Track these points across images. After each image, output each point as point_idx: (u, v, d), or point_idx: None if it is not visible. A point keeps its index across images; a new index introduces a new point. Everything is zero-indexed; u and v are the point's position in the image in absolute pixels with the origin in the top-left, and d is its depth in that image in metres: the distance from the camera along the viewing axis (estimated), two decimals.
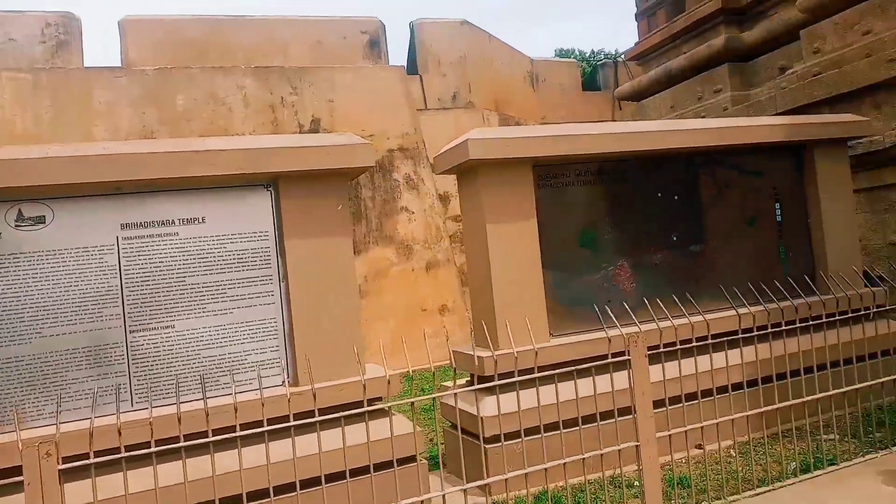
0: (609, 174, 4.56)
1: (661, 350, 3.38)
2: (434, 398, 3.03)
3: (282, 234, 3.70)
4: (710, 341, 3.53)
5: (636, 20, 12.22)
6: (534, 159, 4.23)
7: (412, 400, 2.92)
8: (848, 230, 5.15)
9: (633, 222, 4.60)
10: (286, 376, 3.60)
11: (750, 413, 3.54)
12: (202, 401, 3.44)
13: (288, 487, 2.83)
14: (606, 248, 4.51)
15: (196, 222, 3.64)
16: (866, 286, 6.14)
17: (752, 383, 3.86)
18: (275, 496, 2.68)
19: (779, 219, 5.06)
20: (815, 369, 3.86)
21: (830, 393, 3.77)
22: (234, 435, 2.61)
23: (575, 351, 4.11)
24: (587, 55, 21.37)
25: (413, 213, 9.79)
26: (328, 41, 10.91)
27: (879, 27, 7.64)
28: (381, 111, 9.71)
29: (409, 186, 9.87)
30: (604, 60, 16.81)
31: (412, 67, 13.46)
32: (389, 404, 3.45)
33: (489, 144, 4.01)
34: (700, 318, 3.75)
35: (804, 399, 3.71)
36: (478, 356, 4.04)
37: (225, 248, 3.66)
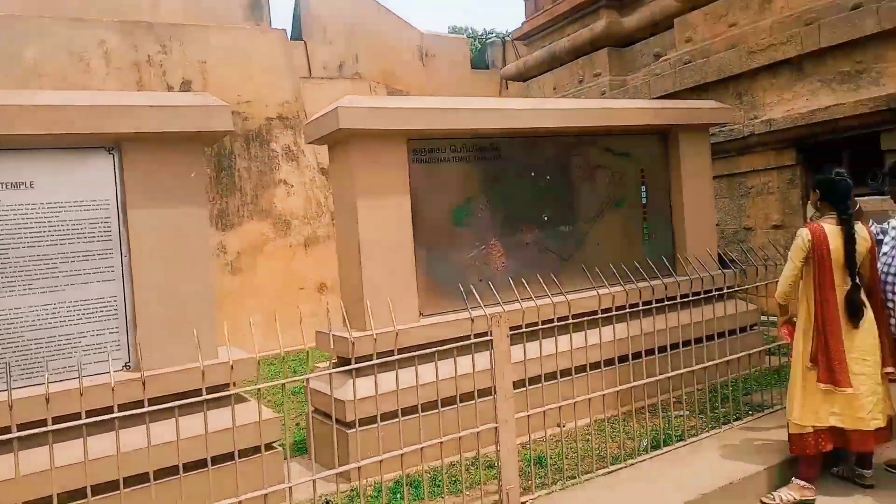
0: (484, 152, 4.50)
1: (524, 330, 3.37)
2: (304, 380, 2.84)
3: (125, 203, 3.34)
4: (570, 321, 3.55)
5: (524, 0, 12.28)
6: (408, 132, 4.09)
7: (259, 386, 2.72)
8: (706, 214, 5.40)
9: (506, 201, 4.57)
10: (128, 360, 3.29)
11: (606, 392, 3.61)
12: (27, 388, 3.08)
13: (115, 484, 2.56)
14: (480, 227, 4.46)
15: (22, 187, 3.21)
16: (720, 268, 6.52)
17: (614, 362, 3.95)
18: (94, 495, 2.41)
19: (644, 201, 5.21)
20: (668, 348, 3.99)
21: (680, 371, 3.93)
22: (47, 429, 2.30)
23: (444, 331, 4.03)
24: (479, 34, 21.41)
25: (292, 186, 9.39)
26: None
27: (744, 20, 8.06)
28: (260, 77, 9.20)
29: (288, 158, 9.45)
30: (493, 39, 16.85)
31: (297, 34, 12.89)
32: (249, 389, 3.24)
33: (362, 114, 3.81)
34: (566, 296, 3.78)
35: (656, 378, 3.84)
36: (339, 337, 3.89)
37: (57, 217, 3.26)
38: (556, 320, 3.48)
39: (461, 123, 4.20)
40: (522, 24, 12.29)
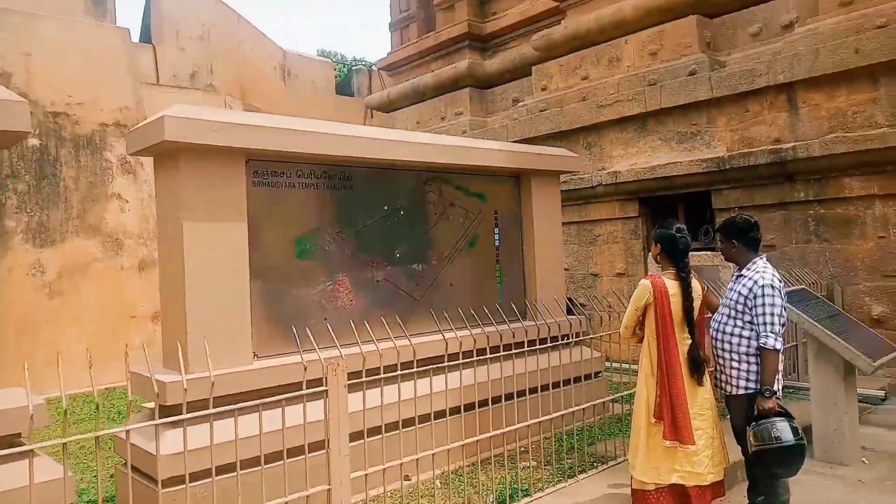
0: (334, 179, 4.20)
1: (363, 379, 3.08)
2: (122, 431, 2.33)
3: None
4: (415, 368, 3.31)
5: (390, 30, 12.24)
6: (249, 151, 3.70)
7: (65, 440, 2.21)
8: (556, 259, 5.44)
9: (356, 235, 4.29)
10: None
11: (451, 446, 3.40)
12: None
13: None
14: (326, 261, 4.14)
15: None
16: (568, 314, 6.63)
17: (461, 410, 3.76)
18: None
19: (497, 243, 5.15)
20: (515, 396, 3.89)
21: (527, 423, 3.81)
22: None
23: (281, 375, 3.65)
24: (349, 60, 21.16)
25: (127, 201, 8.50)
26: None
27: (595, 74, 8.45)
28: (96, 77, 8.30)
29: (124, 170, 8.57)
30: (359, 66, 16.67)
31: (147, 37, 11.94)
32: (52, 443, 2.66)
33: (192, 126, 3.38)
34: (411, 340, 3.56)
35: (503, 430, 3.69)
36: (157, 380, 3.38)
37: None
38: (399, 366, 3.23)
39: (309, 147, 3.88)
40: (388, 54, 12.21)
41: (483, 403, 3.77)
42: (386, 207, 4.46)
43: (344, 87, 16.93)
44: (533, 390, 4.06)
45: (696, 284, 3.38)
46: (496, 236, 5.14)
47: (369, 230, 4.36)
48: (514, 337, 3.93)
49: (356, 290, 4.27)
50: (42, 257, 7.59)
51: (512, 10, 10.35)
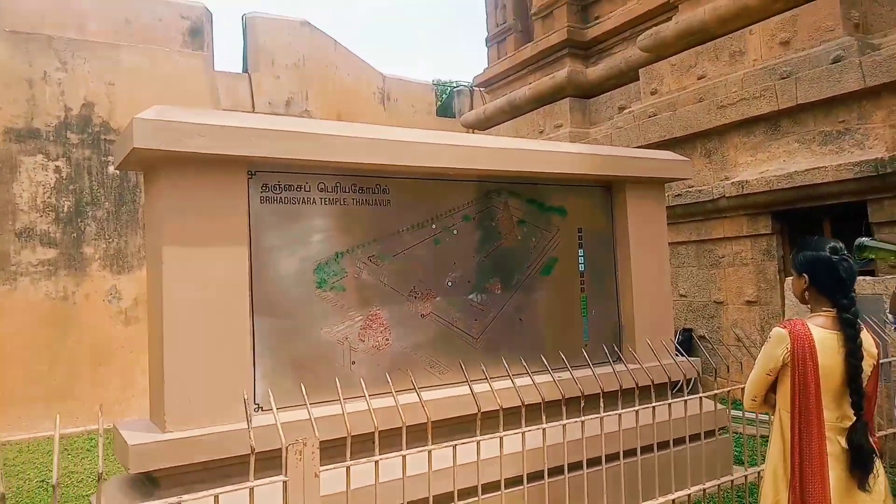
0: (366, 193, 3.43)
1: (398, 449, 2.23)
2: None
3: None
4: (478, 423, 2.42)
5: (486, 45, 11.54)
6: (251, 160, 3.01)
7: None
8: (660, 286, 4.35)
9: (394, 259, 3.48)
10: None
11: None
12: None
13: None
14: (356, 292, 3.35)
15: None
16: (687, 349, 5.44)
17: (523, 481, 2.84)
18: None
19: (582, 268, 4.15)
20: (605, 461, 2.90)
21: None
22: None
23: (290, 433, 2.88)
24: (452, 83, 20.77)
25: None
26: (139, 21, 9.23)
27: (713, 72, 7.23)
28: (175, 104, 8.16)
29: None
30: (460, 87, 16.11)
31: (246, 66, 12.01)
32: None
33: (170, 131, 2.73)
34: (472, 388, 2.68)
35: None
36: (126, 441, 2.73)
37: None
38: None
39: (331, 154, 3.13)
40: (485, 70, 11.50)
41: (559, 471, 2.83)
42: (434, 226, 3.62)
43: (446, 110, 16.44)
44: (630, 453, 3.06)
45: (865, 337, 2.24)
46: (580, 259, 4.15)
47: (412, 254, 3.54)
48: (600, 381, 2.94)
49: (394, 326, 3.45)
50: (119, 284, 7.42)
51: (616, 12, 9.30)
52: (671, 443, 3.40)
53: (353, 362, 3.31)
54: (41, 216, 7.10)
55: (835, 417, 2.16)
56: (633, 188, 4.25)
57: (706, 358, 4.08)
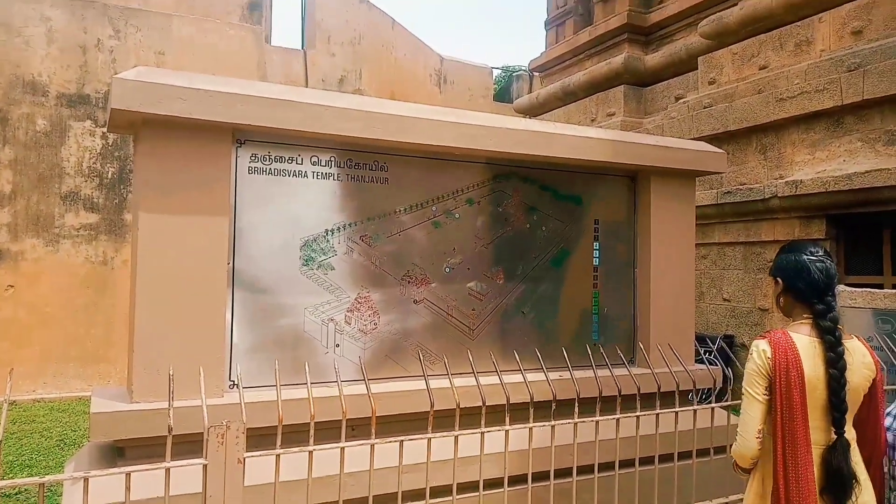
0: (363, 169, 3.29)
1: (369, 441, 2.10)
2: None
3: None
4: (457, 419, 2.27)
5: (545, 28, 11.20)
6: (236, 128, 2.92)
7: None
8: (683, 287, 4.05)
9: (389, 240, 3.34)
10: None
11: None
12: None
13: None
14: (345, 272, 3.23)
15: None
16: (725, 359, 5.17)
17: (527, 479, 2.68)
18: None
19: (596, 262, 3.90)
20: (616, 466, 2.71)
21: None
22: None
23: (263, 413, 2.80)
24: (512, 67, 20.40)
25: None
26: None
27: (776, 62, 6.74)
28: (223, 75, 8.24)
29: None
30: (520, 72, 15.78)
31: (304, 42, 12.07)
32: None
33: (151, 92, 2.65)
34: (451, 382, 2.53)
35: None
36: (91, 409, 2.70)
37: None
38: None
39: (321, 126, 3.00)
40: (541, 54, 11.17)
41: (545, 476, 2.65)
42: (435, 208, 3.46)
43: (504, 95, 16.16)
44: (628, 463, 2.85)
45: (856, 347, 1.98)
46: (595, 253, 3.90)
47: (408, 236, 3.38)
48: (607, 387, 2.73)
49: (384, 311, 3.31)
50: None
51: None
52: (675, 455, 3.18)
53: (338, 345, 3.20)
54: (86, 181, 7.30)
55: (825, 440, 1.90)
56: (660, 180, 3.96)
57: (740, 368, 3.79)
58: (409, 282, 3.38)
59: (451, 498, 2.46)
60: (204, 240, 2.84)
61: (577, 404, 2.75)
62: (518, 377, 2.93)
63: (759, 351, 2.00)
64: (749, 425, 1.99)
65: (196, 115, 2.74)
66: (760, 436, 1.99)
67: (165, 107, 2.68)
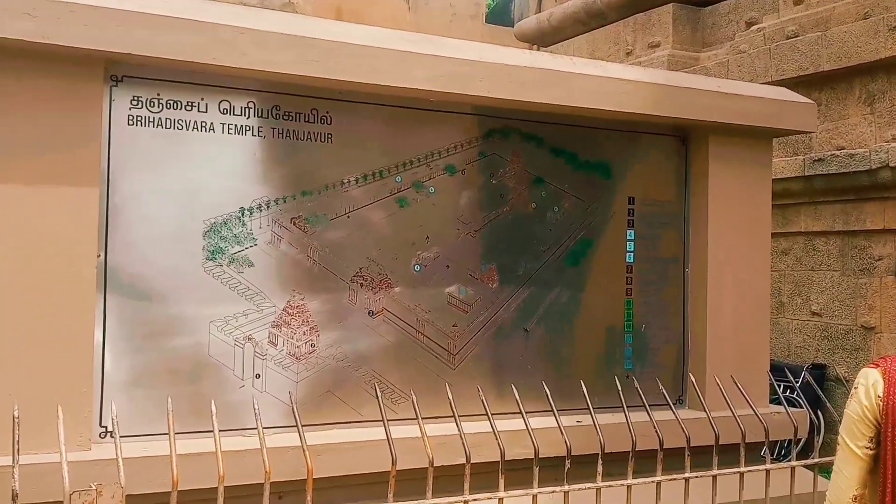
0: (295, 122, 3.36)
1: None
2: None
3: None
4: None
5: None
6: (108, 57, 2.93)
7: None
8: (758, 293, 4.21)
9: (332, 226, 3.42)
10: None
11: None
12: None
13: None
14: (269, 268, 3.30)
15: None
16: (812, 402, 5.27)
17: None
18: None
19: (631, 258, 4.01)
20: None
21: None
22: None
23: (146, 471, 2.83)
24: None
25: None
26: None
27: None
28: None
29: None
30: None
31: None
32: None
33: None
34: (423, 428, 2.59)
35: None
36: None
37: None
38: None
39: (238, 57, 3.03)
40: None
41: None
42: (400, 179, 3.53)
43: (501, 15, 16.36)
44: None
45: None
46: (629, 246, 4.02)
47: (361, 218, 3.47)
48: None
49: (326, 326, 3.39)
50: None
51: None
52: None
53: (258, 375, 3.26)
54: None
55: None
56: (723, 141, 4.09)
57: (835, 411, 3.92)
58: (361, 285, 3.47)
59: None
60: (62, 221, 2.88)
61: (600, 462, 2.82)
62: (518, 422, 3.00)
63: (867, 386, 2.07)
64: (843, 490, 2.08)
65: (51, 38, 2.76)
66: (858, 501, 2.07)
67: (6, 27, 2.69)
